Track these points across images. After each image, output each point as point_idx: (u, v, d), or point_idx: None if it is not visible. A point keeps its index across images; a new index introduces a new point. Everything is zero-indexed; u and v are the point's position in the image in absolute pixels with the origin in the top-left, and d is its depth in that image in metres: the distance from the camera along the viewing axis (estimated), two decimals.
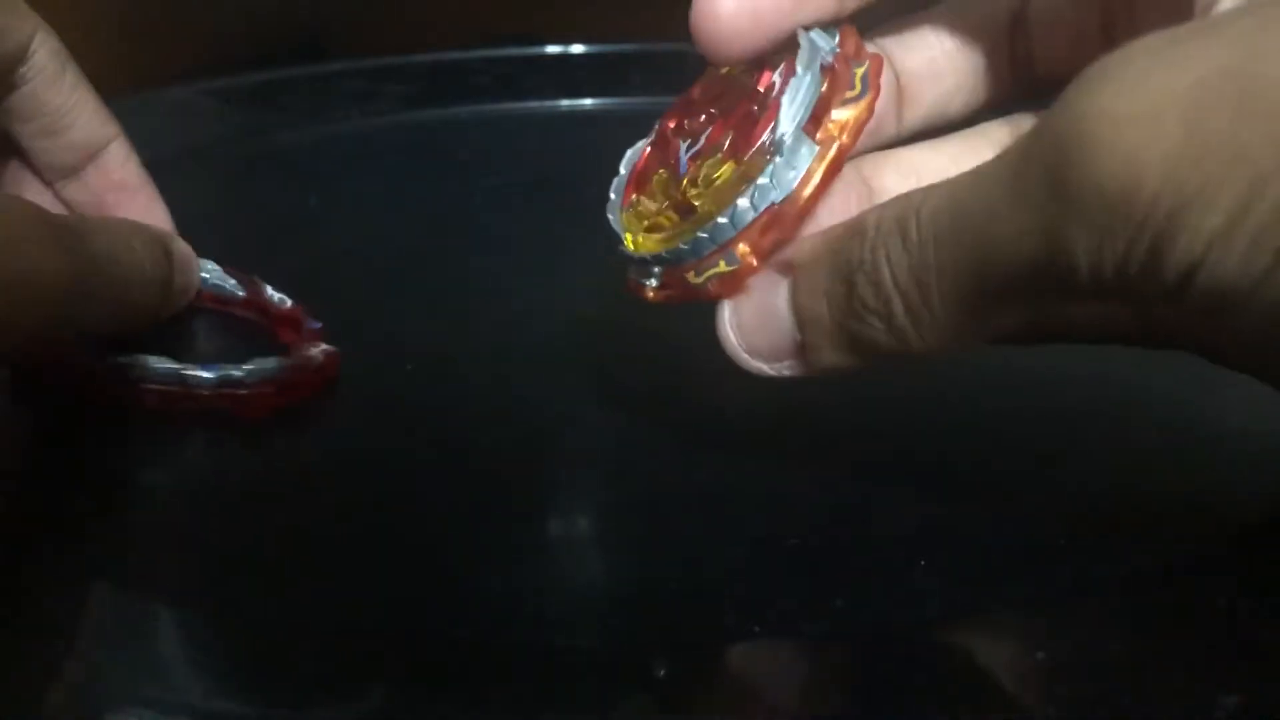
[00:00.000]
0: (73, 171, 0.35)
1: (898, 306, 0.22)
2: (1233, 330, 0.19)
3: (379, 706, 0.20)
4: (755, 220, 0.24)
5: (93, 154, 0.34)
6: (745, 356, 0.25)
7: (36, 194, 0.35)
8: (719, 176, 0.25)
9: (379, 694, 0.20)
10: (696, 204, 0.25)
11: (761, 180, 0.24)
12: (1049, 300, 0.20)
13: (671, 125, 0.27)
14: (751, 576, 0.25)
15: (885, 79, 0.27)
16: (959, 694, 0.19)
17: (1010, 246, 0.20)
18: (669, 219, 0.25)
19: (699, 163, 0.25)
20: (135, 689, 0.20)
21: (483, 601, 0.24)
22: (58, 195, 0.35)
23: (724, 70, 0.26)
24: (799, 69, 0.24)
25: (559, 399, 0.31)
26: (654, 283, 0.25)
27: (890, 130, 0.28)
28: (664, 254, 0.25)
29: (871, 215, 0.22)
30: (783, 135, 0.24)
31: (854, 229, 0.23)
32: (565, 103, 0.50)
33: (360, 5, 0.58)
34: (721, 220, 0.24)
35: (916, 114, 0.28)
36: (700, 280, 0.24)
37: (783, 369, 0.25)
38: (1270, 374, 0.23)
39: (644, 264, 0.25)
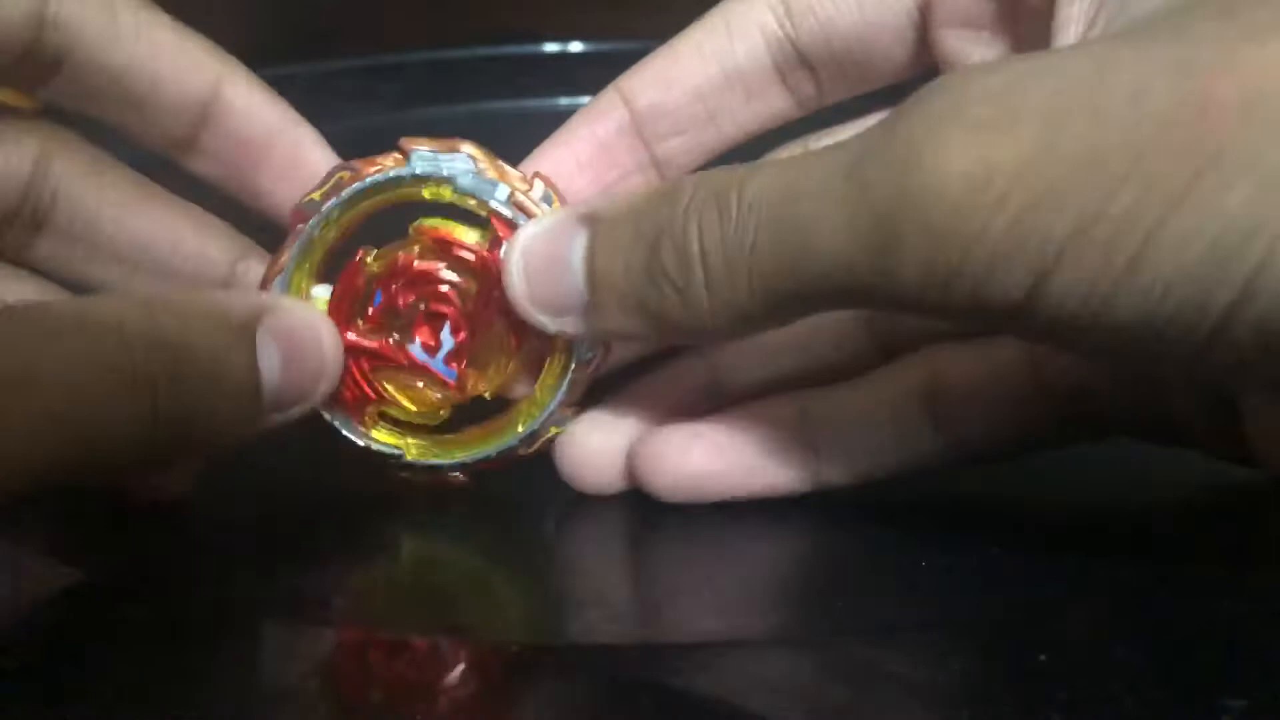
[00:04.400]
0: (187, 144, 0.26)
1: (698, 279, 0.21)
2: (1087, 341, 0.18)
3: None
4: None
5: (201, 112, 0.26)
6: (527, 305, 0.24)
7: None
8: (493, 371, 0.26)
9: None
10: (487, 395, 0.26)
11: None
12: (868, 301, 0.20)
13: (352, 335, 0.26)
14: (752, 577, 0.25)
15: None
16: (960, 696, 0.19)
17: (836, 243, 0.19)
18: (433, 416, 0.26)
19: (462, 364, 0.26)
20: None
21: (480, 598, 0.24)
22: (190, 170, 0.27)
23: (372, 260, 0.25)
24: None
25: None
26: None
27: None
28: (494, 453, 0.26)
29: (688, 182, 0.22)
30: None
31: (667, 193, 0.22)
32: (564, 101, 0.50)
33: (357, 4, 0.58)
34: (551, 406, 0.26)
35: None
36: (531, 450, 0.26)
37: (564, 324, 0.24)
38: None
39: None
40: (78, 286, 0.27)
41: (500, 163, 0.25)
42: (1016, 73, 0.18)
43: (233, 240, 0.28)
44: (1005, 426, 0.25)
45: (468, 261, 0.25)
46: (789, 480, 0.25)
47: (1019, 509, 0.26)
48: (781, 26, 0.26)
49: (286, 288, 0.25)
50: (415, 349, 0.26)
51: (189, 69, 0.25)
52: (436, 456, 0.26)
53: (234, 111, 0.26)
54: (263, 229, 0.27)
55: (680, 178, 0.22)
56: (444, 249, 0.25)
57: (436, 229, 0.25)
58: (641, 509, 0.26)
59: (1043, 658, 0.19)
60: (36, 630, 0.21)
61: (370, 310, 0.26)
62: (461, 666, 0.20)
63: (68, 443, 0.20)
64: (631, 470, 0.25)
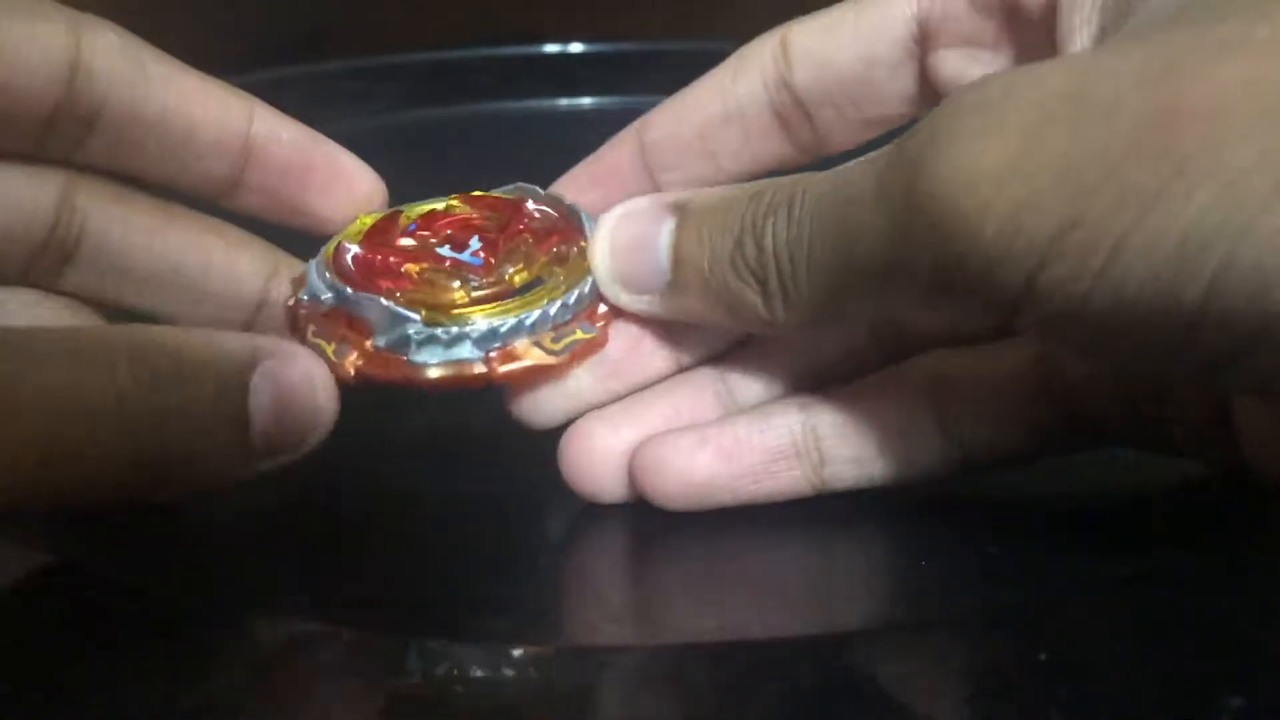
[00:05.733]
0: (232, 183, 0.27)
1: (772, 274, 0.22)
2: (1075, 336, 0.19)
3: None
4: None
5: (242, 149, 0.26)
6: (608, 279, 0.25)
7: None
8: (517, 271, 0.26)
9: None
10: (518, 281, 0.25)
11: None
12: (899, 297, 0.21)
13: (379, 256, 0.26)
14: (751, 577, 0.25)
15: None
16: (961, 695, 0.19)
17: (868, 237, 0.20)
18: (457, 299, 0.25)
19: (497, 264, 0.26)
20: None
21: (477, 599, 0.24)
22: (235, 208, 0.27)
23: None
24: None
25: None
26: (436, 360, 0.25)
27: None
28: (517, 320, 0.25)
29: (771, 183, 0.23)
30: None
31: (753, 192, 0.23)
32: (564, 102, 0.50)
33: (357, 4, 0.58)
34: (576, 291, 0.25)
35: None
36: (559, 347, 0.25)
37: (641, 302, 0.25)
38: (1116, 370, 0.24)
39: (458, 339, 0.25)
40: (110, 310, 0.27)
41: None
42: (1005, 85, 0.19)
43: (264, 254, 0.28)
44: (1010, 433, 0.25)
45: (498, 209, 0.27)
46: (794, 485, 0.25)
47: (1018, 509, 0.26)
48: (778, 69, 0.27)
49: (321, 254, 0.26)
50: (443, 250, 0.26)
51: (220, 110, 0.26)
52: (451, 322, 0.25)
53: (272, 141, 0.26)
54: (293, 236, 0.28)
55: (765, 180, 0.23)
56: (475, 201, 0.27)
57: (469, 193, 0.27)
58: (643, 508, 0.26)
59: (1043, 657, 0.19)
60: (34, 629, 0.21)
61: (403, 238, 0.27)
62: (460, 668, 0.20)
63: (47, 469, 0.20)
64: (633, 477, 0.25)
